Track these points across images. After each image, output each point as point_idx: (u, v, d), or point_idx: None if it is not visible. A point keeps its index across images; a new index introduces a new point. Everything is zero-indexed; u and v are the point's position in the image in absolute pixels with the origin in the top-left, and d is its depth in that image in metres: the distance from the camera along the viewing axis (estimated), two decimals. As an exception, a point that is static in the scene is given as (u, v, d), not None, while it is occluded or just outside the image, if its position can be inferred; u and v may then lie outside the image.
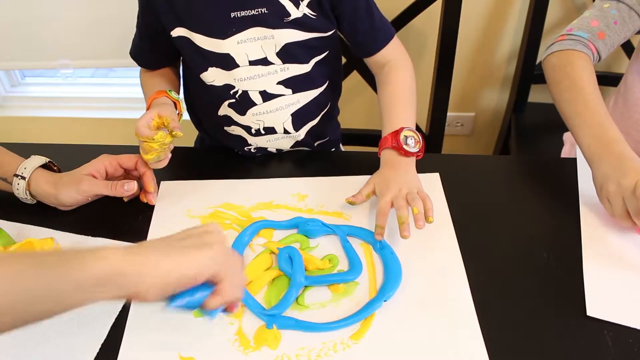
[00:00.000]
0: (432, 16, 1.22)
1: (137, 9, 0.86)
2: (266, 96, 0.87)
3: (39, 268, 0.43)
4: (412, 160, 0.80)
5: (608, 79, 1.37)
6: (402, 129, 0.80)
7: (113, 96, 1.78)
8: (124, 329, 0.66)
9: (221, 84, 0.86)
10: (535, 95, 1.48)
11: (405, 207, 0.72)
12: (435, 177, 0.86)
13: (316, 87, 0.90)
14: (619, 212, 0.73)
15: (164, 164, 0.81)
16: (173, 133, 0.77)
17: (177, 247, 0.50)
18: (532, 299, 0.69)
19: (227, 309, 0.57)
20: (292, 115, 0.90)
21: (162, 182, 0.87)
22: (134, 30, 0.90)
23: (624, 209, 0.72)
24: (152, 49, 0.90)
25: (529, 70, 1.42)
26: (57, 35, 1.51)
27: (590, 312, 0.66)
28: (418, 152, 0.80)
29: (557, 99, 0.84)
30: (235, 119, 0.90)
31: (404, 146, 0.78)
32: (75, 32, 1.51)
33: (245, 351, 0.63)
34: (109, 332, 0.66)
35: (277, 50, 0.83)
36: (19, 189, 0.79)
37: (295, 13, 0.81)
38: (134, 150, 0.84)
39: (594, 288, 0.69)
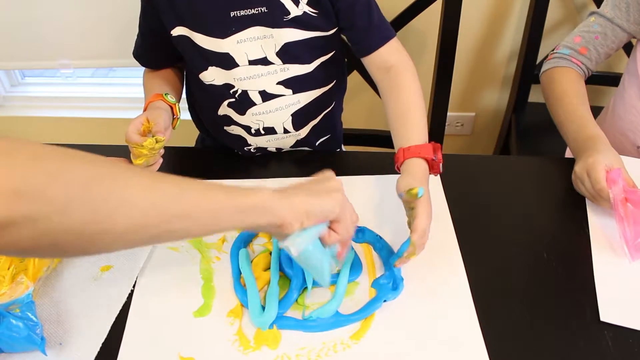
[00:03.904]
0: (432, 16, 1.22)
1: (137, 8, 0.86)
2: (266, 96, 0.87)
3: (210, 190, 0.54)
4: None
5: (608, 79, 1.37)
6: (440, 146, 0.76)
7: (113, 96, 1.78)
8: (124, 328, 0.66)
9: (221, 84, 0.86)
10: (535, 95, 1.48)
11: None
12: (436, 177, 0.85)
13: (319, 87, 0.90)
14: (588, 195, 0.80)
15: (154, 169, 0.80)
16: (155, 137, 0.76)
17: (313, 191, 0.60)
18: (532, 299, 0.69)
19: (338, 255, 0.65)
20: (292, 115, 0.90)
21: None
22: (134, 30, 0.90)
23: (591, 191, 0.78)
24: (153, 48, 0.90)
25: (529, 70, 1.42)
26: (57, 35, 1.51)
27: (604, 317, 0.66)
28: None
29: (550, 113, 0.95)
30: (234, 119, 0.90)
31: (439, 165, 0.75)
32: (75, 32, 1.50)
33: (246, 351, 0.63)
34: (109, 331, 0.66)
35: (277, 49, 0.83)
36: None
37: (295, 11, 0.80)
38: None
39: (606, 293, 0.68)
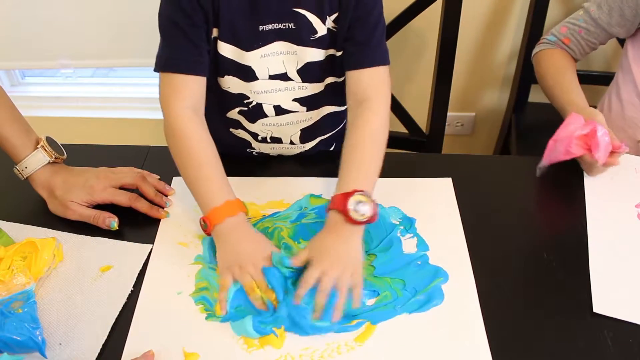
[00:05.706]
0: (432, 16, 1.22)
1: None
2: (279, 110, 0.86)
3: None
4: (358, 229, 0.71)
5: (607, 79, 1.37)
6: (354, 192, 0.70)
7: (113, 96, 1.78)
8: (125, 328, 0.66)
9: (236, 92, 0.85)
10: (535, 95, 1.48)
11: (326, 294, 0.65)
12: (448, 182, 0.85)
13: (330, 105, 0.89)
14: None
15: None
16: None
17: None
18: (532, 299, 0.69)
19: None
20: (301, 130, 0.90)
21: (173, 178, 0.86)
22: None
23: None
24: (196, 47, 0.78)
25: (529, 70, 1.41)
26: (57, 35, 1.51)
27: (597, 309, 0.66)
28: (367, 220, 0.70)
29: (543, 89, 1.03)
30: (243, 124, 0.89)
31: (351, 213, 0.69)
32: (75, 32, 1.50)
33: (249, 349, 0.64)
34: (110, 332, 0.66)
35: (299, 67, 0.82)
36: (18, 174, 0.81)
37: (321, 30, 0.79)
38: (133, 150, 0.83)
39: (601, 285, 0.69)
